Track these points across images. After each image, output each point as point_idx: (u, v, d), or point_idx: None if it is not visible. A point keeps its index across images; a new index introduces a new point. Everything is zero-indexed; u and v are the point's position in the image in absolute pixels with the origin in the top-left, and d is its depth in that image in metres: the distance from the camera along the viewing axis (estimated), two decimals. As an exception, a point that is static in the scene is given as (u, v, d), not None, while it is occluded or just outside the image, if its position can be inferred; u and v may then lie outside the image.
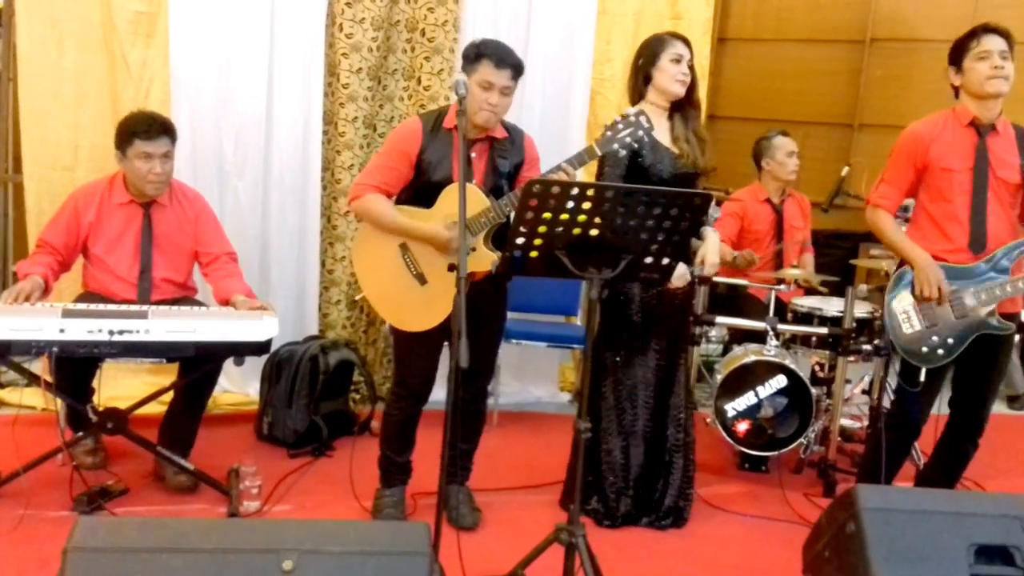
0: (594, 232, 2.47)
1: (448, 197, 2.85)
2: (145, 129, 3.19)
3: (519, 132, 3.04)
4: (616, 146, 2.78)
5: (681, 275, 3.06)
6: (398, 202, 2.97)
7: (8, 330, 2.78)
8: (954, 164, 2.94)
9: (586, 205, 2.40)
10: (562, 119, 4.32)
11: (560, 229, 2.44)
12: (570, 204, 2.39)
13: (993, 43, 2.87)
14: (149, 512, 3.07)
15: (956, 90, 3.00)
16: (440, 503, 2.49)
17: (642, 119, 2.76)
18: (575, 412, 4.22)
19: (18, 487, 3.04)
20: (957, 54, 2.96)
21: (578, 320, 4.43)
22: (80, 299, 3.28)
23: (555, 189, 2.39)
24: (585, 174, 4.07)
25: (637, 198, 2.46)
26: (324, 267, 4.32)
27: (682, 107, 3.12)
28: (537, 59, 4.26)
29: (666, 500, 3.21)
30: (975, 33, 2.91)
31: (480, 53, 2.83)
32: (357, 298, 4.04)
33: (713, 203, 3.64)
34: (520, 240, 2.45)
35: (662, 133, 3.09)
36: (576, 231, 2.47)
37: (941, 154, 2.95)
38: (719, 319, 3.75)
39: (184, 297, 3.40)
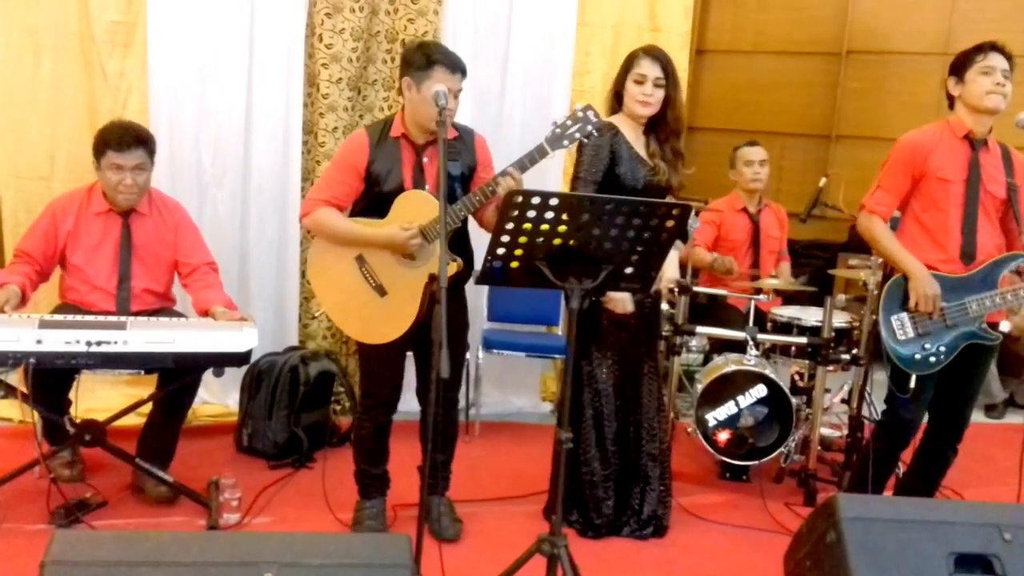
0: (573, 242, 2.48)
1: (402, 204, 2.86)
2: (117, 140, 3.17)
3: (469, 132, 3.02)
4: (566, 142, 2.80)
5: (622, 299, 3.07)
6: (351, 215, 2.98)
7: (-16, 341, 2.74)
8: (950, 175, 2.99)
9: (565, 216, 2.41)
10: (542, 130, 4.30)
11: (540, 239, 2.44)
12: (550, 215, 2.40)
13: (998, 61, 2.95)
14: (128, 525, 3.04)
15: (951, 100, 3.06)
16: (421, 514, 2.49)
17: (590, 114, 2.78)
18: (556, 422, 4.31)
19: (-6, 500, 3.00)
20: (960, 65, 3.01)
21: (559, 330, 4.43)
22: (57, 311, 3.24)
23: (535, 199, 2.39)
24: (563, 179, 4.12)
25: (616, 209, 2.47)
26: (304, 277, 4.30)
27: (656, 124, 3.10)
28: (517, 70, 4.28)
29: (644, 509, 3.22)
30: (982, 48, 2.98)
31: (432, 60, 2.83)
32: (316, 314, 4.03)
33: (693, 214, 3.69)
34: (501, 250, 2.45)
35: (639, 147, 3.10)
36: (556, 241, 2.47)
37: (939, 164, 3.00)
38: (699, 329, 3.77)
39: (163, 308, 3.37)
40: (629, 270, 2.64)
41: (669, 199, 3.16)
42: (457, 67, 2.84)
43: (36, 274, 3.23)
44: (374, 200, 2.91)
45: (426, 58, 2.83)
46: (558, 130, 2.80)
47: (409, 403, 3.32)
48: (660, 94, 3.04)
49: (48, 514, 3.00)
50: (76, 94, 4.02)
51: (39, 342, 2.78)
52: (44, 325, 2.84)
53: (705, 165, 4.00)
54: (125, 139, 3.17)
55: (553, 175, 4.27)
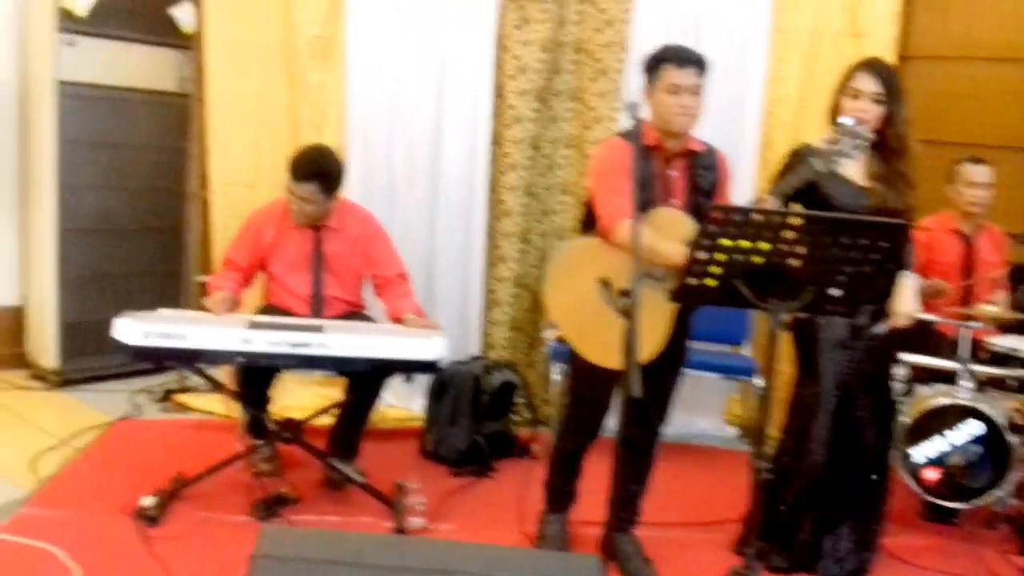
0: (775, 261, 2.36)
1: (653, 223, 2.66)
2: (295, 170, 3.30)
3: (711, 149, 2.88)
4: (836, 159, 2.58)
5: (906, 313, 2.86)
6: (584, 230, 2.88)
7: (199, 339, 2.91)
8: None
9: (767, 233, 2.31)
10: (732, 141, 4.17)
11: (740, 257, 2.35)
12: (751, 231, 2.30)
13: None
14: (321, 522, 3.15)
15: None
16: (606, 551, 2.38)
17: (861, 129, 2.56)
18: (744, 447, 4.16)
19: (200, 490, 3.18)
20: None
21: (744, 350, 4.26)
22: (261, 312, 3.42)
23: (736, 216, 2.31)
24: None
25: (822, 226, 2.34)
26: (486, 287, 4.35)
27: (880, 143, 2.86)
28: (707, 80, 4.14)
29: (843, 547, 3.01)
30: None
31: (659, 59, 2.73)
32: (550, 336, 3.98)
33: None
34: (697, 267, 2.37)
35: (854, 167, 2.87)
36: (756, 260, 2.36)
37: None
38: (905, 356, 3.52)
39: (354, 312, 3.49)
40: (835, 292, 2.50)
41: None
42: (688, 60, 2.70)
43: (243, 281, 3.44)
44: None
45: (653, 59, 2.75)
46: (829, 147, 2.59)
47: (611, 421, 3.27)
48: (878, 111, 2.84)
49: (248, 507, 3.14)
50: (279, 106, 4.24)
51: (247, 342, 2.92)
52: (252, 326, 2.99)
53: (910, 180, 3.75)
54: (301, 171, 3.29)
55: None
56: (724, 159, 2.90)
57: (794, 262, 2.37)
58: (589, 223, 2.86)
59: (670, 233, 2.66)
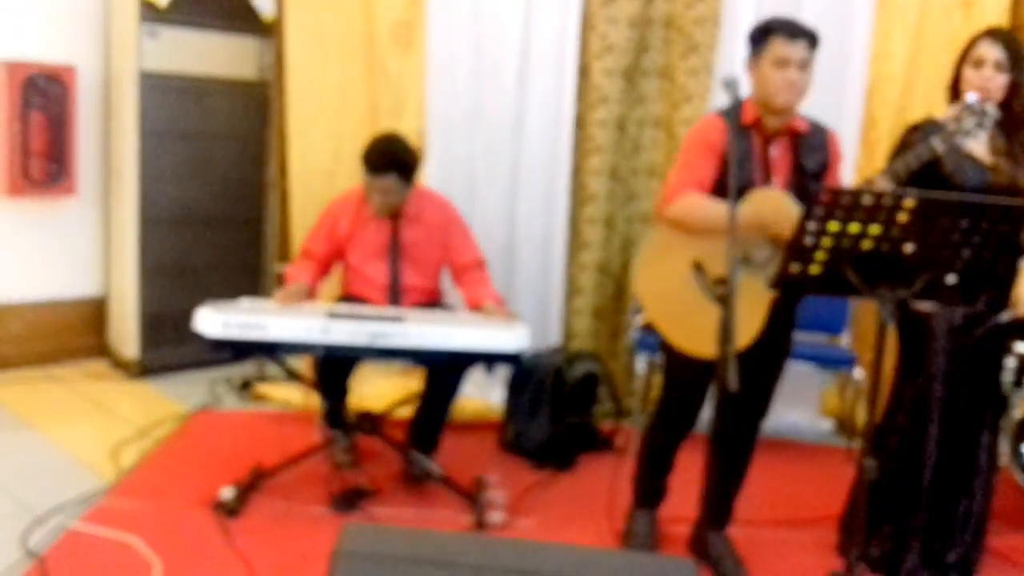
0: (886, 246, 2.21)
1: (753, 203, 2.54)
2: (373, 162, 3.21)
3: (821, 128, 2.71)
4: (960, 138, 2.43)
5: None
6: None
7: (279, 330, 2.87)
8: None
9: (880, 216, 2.15)
10: (832, 120, 3.94)
11: (848, 242, 2.20)
12: (861, 214, 2.15)
13: None
14: (399, 515, 3.09)
15: None
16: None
17: (988, 106, 2.39)
18: (838, 442, 3.96)
19: (279, 482, 3.15)
20: None
21: (842, 340, 4.04)
22: (340, 302, 3.36)
23: (845, 198, 2.16)
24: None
25: (940, 208, 2.18)
26: (568, 275, 4.23)
27: (1005, 116, 2.64)
28: (805, 57, 3.93)
29: (949, 556, 2.81)
30: None
31: (768, 29, 2.57)
32: (638, 322, 3.83)
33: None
34: (801, 253, 2.22)
35: (975, 143, 2.68)
36: (866, 244, 2.22)
37: None
38: (1019, 346, 3.27)
39: (433, 301, 3.42)
40: (951, 279, 2.32)
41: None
42: (799, 32, 2.55)
43: (320, 270, 3.39)
44: (718, 194, 2.61)
45: (761, 30, 2.60)
46: (952, 126, 2.43)
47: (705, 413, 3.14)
48: (1001, 79, 2.63)
49: (327, 498, 3.09)
50: (359, 93, 4.18)
51: (326, 333, 2.86)
52: (331, 316, 2.93)
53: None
54: (378, 163, 3.21)
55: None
56: (836, 139, 2.75)
57: (908, 247, 2.22)
58: None
59: (776, 214, 2.52)
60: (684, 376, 2.76)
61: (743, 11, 3.90)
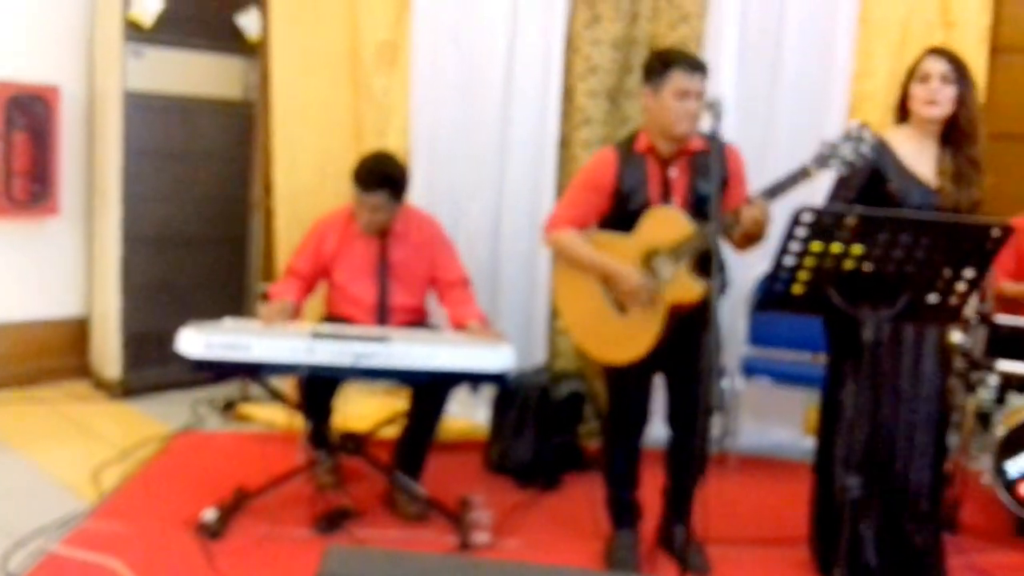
0: (868, 266, 2.27)
1: (649, 221, 2.74)
2: (363, 179, 3.23)
3: (718, 142, 2.69)
4: (835, 164, 2.52)
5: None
6: (600, 227, 2.89)
7: (262, 351, 2.85)
8: None
9: (862, 236, 2.22)
10: (815, 137, 3.99)
11: (830, 262, 2.26)
12: (843, 235, 2.22)
13: None
14: (383, 536, 3.07)
15: None
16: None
17: (865, 133, 2.49)
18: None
19: (262, 503, 3.12)
20: None
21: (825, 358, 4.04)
22: (324, 322, 3.35)
23: (827, 219, 2.22)
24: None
25: (922, 228, 2.24)
26: (553, 295, 4.22)
27: (950, 131, 2.71)
28: (787, 75, 3.95)
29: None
30: None
31: (668, 62, 2.73)
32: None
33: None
34: (784, 274, 2.28)
35: (920, 163, 2.72)
36: (848, 265, 2.28)
37: None
38: (1001, 363, 3.30)
39: (419, 321, 3.41)
40: (933, 298, 2.36)
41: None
42: (696, 67, 2.71)
43: (304, 289, 3.38)
44: (623, 217, 2.81)
45: (660, 62, 2.75)
46: (827, 150, 2.52)
47: (659, 429, 3.17)
48: (950, 91, 2.67)
49: (311, 520, 3.07)
50: (344, 112, 4.20)
51: (310, 353, 2.85)
52: (315, 336, 2.91)
53: (1000, 176, 3.52)
54: (369, 180, 3.22)
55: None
56: (735, 151, 2.86)
57: (889, 267, 2.28)
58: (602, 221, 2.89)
59: (666, 230, 2.72)
60: (623, 383, 2.90)
61: (727, 31, 3.93)
